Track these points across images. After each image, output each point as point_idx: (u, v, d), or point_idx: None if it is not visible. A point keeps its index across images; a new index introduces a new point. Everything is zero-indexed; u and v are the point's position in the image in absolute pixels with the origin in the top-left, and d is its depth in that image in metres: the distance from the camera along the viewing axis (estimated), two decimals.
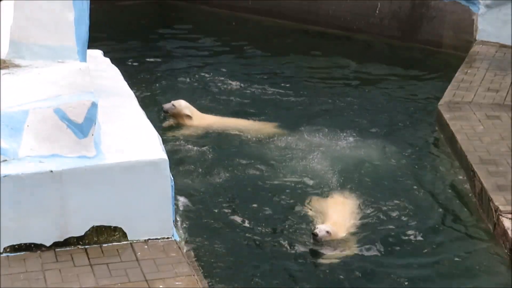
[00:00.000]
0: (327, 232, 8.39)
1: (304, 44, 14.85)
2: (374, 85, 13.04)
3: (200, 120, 11.25)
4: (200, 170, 9.96)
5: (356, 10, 14.98)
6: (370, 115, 11.82)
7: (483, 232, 8.76)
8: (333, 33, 15.05)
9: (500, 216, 8.48)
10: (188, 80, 13.13)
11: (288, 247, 8.49)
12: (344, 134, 11.06)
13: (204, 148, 10.54)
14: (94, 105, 7.37)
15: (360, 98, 12.53)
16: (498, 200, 8.69)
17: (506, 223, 8.36)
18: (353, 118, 11.71)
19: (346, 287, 7.88)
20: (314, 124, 11.39)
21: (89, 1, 8.59)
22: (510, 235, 8.21)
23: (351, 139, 10.94)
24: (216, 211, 9.09)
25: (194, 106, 11.59)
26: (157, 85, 12.55)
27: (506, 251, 8.26)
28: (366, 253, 8.42)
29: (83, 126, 7.35)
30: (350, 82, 13.21)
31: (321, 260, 8.39)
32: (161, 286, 6.84)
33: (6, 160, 7.20)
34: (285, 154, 10.54)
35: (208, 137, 11.00)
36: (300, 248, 8.46)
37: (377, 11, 14.80)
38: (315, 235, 8.36)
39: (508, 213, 8.49)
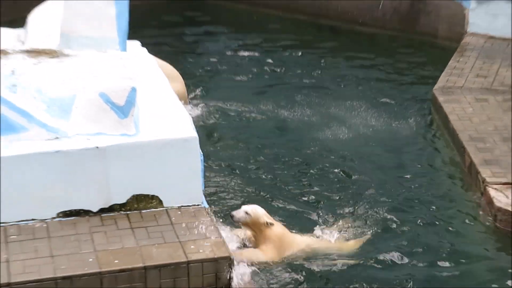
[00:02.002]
0: (246, 213, 7.61)
1: (317, 35, 14.86)
2: (377, 71, 13.07)
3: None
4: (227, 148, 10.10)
5: (362, 6, 14.95)
6: (373, 97, 11.87)
7: (472, 200, 8.81)
8: (342, 26, 15.00)
9: (487, 187, 8.53)
10: (212, 67, 13.23)
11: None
12: (351, 112, 11.22)
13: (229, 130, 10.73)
14: (133, 89, 7.43)
15: (365, 83, 12.57)
16: (485, 173, 8.74)
17: (492, 192, 8.41)
18: (359, 99, 11.73)
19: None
20: (324, 104, 11.48)
21: None
22: (495, 203, 8.25)
23: (357, 116, 11.11)
24: (241, 182, 9.16)
25: (216, 91, 11.65)
26: (186, 72, 12.55)
27: (491, 217, 8.31)
28: (363, 229, 8.19)
29: (124, 108, 7.40)
30: (357, 69, 13.23)
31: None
32: (192, 247, 6.90)
33: (57, 138, 7.28)
34: (297, 133, 10.71)
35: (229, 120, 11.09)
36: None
37: (380, 7, 14.76)
38: (231, 216, 7.67)
39: (494, 184, 8.53)
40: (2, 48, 8.28)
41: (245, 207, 7.63)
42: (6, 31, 9.15)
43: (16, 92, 7.35)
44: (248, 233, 7.86)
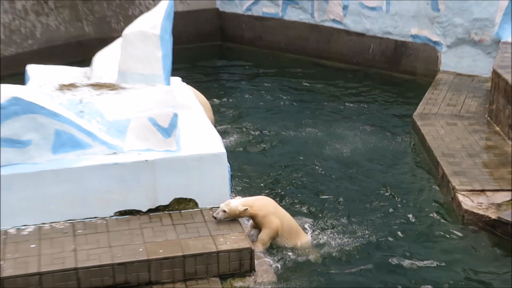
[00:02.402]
0: (224, 211, 7.13)
1: (320, 73, 14.85)
2: (368, 101, 13.01)
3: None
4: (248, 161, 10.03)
5: (356, 49, 14.95)
6: (365, 121, 11.80)
7: (444, 203, 8.74)
8: (340, 65, 15.01)
9: (456, 193, 8.47)
10: (236, 96, 13.25)
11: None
12: (348, 131, 11.22)
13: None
14: (175, 115, 7.46)
15: (359, 109, 12.54)
16: (455, 182, 8.67)
17: (460, 197, 8.35)
18: (353, 123, 11.71)
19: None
20: (326, 126, 11.44)
21: (172, 44, 8.69)
22: (462, 206, 8.20)
23: (353, 136, 11.06)
24: (260, 186, 9.12)
25: (240, 115, 11.67)
26: (217, 101, 12.62)
27: (460, 217, 8.24)
28: (347, 226, 8.02)
29: (168, 130, 7.43)
30: (352, 99, 13.17)
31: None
32: (221, 239, 6.92)
33: (115, 153, 7.34)
34: (303, 147, 10.65)
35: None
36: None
37: (370, 50, 14.76)
38: (214, 218, 7.17)
39: (462, 191, 8.47)
40: (72, 82, 8.35)
41: (221, 206, 7.18)
42: (75, 69, 9.26)
43: (83, 117, 7.41)
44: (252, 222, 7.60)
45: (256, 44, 16.62)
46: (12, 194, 6.97)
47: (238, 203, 7.22)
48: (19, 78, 9.25)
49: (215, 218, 7.17)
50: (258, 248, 7.26)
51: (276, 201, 7.90)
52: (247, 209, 7.21)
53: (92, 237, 6.90)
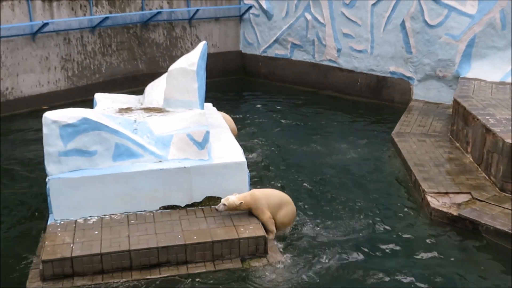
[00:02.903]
0: (224, 204, 6.92)
1: (319, 100, 14.77)
2: (355, 123, 12.91)
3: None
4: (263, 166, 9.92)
5: (347, 82, 14.89)
6: (354, 139, 11.66)
7: (415, 203, 8.58)
8: (334, 94, 14.96)
9: (425, 195, 8.34)
10: (254, 116, 13.16)
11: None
12: (340, 146, 11.06)
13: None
14: (207, 132, 7.45)
15: (348, 130, 12.39)
16: (424, 186, 8.55)
17: (428, 198, 8.22)
18: (345, 139, 11.56)
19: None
20: (323, 143, 11.29)
21: (205, 77, 8.68)
22: (430, 205, 8.06)
23: (343, 148, 10.95)
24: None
25: (256, 131, 11.61)
26: (239, 121, 12.54)
27: (428, 214, 8.10)
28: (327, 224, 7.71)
29: (202, 143, 7.41)
30: (344, 121, 13.07)
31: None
32: (242, 229, 6.86)
33: (161, 161, 7.32)
34: (304, 159, 10.46)
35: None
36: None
37: (358, 83, 14.69)
38: (216, 210, 6.97)
39: (430, 193, 8.34)
40: (128, 106, 8.37)
41: (222, 201, 6.96)
42: (131, 97, 9.29)
43: (136, 133, 7.41)
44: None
45: (270, 78, 16.61)
46: (81, 192, 6.99)
47: (235, 198, 7.03)
48: (89, 103, 9.30)
49: (217, 209, 7.00)
50: (270, 236, 7.15)
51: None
52: (241, 202, 6.99)
53: (142, 226, 6.88)
